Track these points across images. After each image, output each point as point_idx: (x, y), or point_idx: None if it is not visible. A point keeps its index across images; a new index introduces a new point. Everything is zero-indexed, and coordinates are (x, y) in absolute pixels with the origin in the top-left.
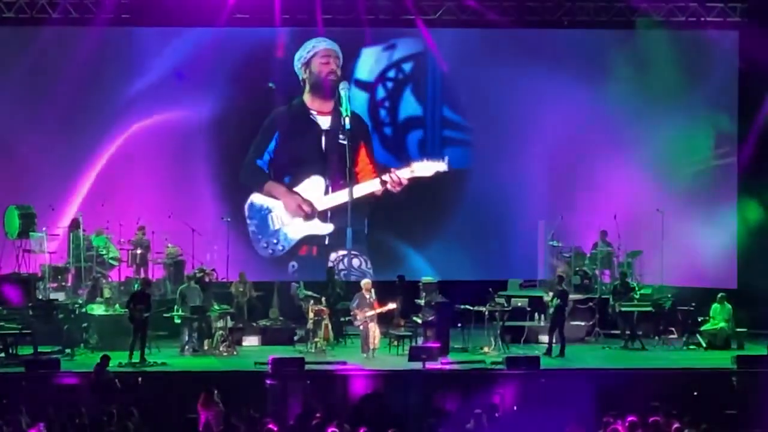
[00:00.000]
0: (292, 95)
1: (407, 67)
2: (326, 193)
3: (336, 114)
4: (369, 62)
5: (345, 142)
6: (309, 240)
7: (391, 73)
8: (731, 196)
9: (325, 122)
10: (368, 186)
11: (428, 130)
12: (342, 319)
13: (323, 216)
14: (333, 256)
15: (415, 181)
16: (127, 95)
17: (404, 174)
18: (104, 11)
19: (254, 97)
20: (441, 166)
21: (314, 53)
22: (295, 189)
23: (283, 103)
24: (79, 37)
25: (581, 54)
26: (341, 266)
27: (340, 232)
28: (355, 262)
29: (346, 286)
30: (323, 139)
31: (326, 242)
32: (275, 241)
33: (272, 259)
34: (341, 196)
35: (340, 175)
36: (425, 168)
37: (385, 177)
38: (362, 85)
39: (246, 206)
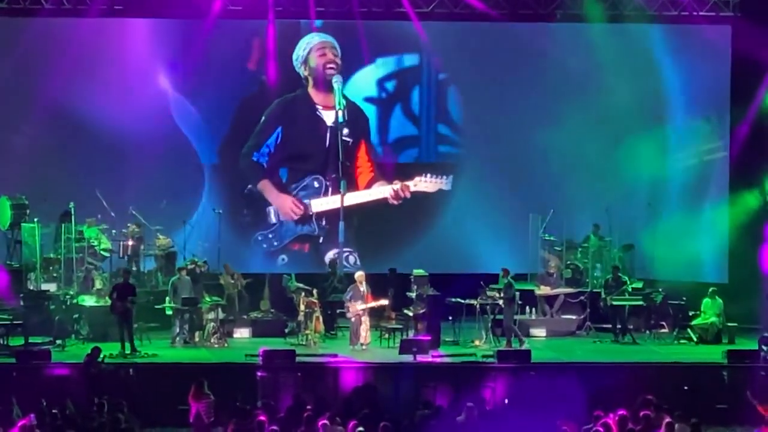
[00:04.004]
0: (287, 88)
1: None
2: (325, 194)
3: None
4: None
5: (349, 140)
6: (302, 238)
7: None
8: (723, 191)
9: (330, 117)
10: (376, 192)
11: (422, 127)
12: (338, 311)
13: (318, 216)
14: (330, 253)
15: (415, 193)
16: (119, 86)
17: (406, 188)
18: (97, 2)
19: (247, 89)
20: (444, 184)
21: (310, 48)
22: (294, 190)
23: (276, 95)
24: (71, 28)
25: (573, 47)
26: (341, 264)
27: (334, 231)
28: (351, 259)
29: (346, 279)
30: (327, 134)
31: (320, 240)
32: (271, 235)
33: (263, 252)
34: (339, 200)
35: (343, 175)
36: (428, 185)
37: (394, 187)
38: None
39: (243, 196)
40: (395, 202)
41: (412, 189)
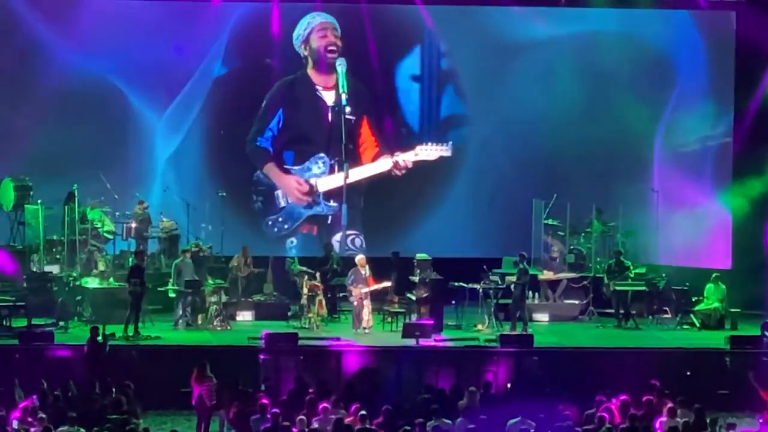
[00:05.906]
0: (291, 71)
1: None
2: (331, 172)
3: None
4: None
5: (351, 117)
6: (311, 219)
7: None
8: (726, 176)
9: (330, 97)
10: (379, 166)
11: (424, 108)
12: (338, 294)
13: (326, 196)
14: (338, 235)
15: (417, 163)
16: (123, 68)
17: (409, 157)
18: None
19: (252, 71)
20: (445, 151)
21: (311, 29)
22: (300, 171)
23: (280, 79)
24: (74, 10)
25: (577, 31)
26: (345, 246)
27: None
28: (357, 242)
29: (343, 262)
30: (329, 114)
31: (328, 221)
32: (281, 219)
33: (274, 236)
34: (348, 176)
35: (346, 157)
36: (429, 152)
37: (394, 159)
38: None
39: (252, 181)
40: (399, 174)
41: (414, 158)
